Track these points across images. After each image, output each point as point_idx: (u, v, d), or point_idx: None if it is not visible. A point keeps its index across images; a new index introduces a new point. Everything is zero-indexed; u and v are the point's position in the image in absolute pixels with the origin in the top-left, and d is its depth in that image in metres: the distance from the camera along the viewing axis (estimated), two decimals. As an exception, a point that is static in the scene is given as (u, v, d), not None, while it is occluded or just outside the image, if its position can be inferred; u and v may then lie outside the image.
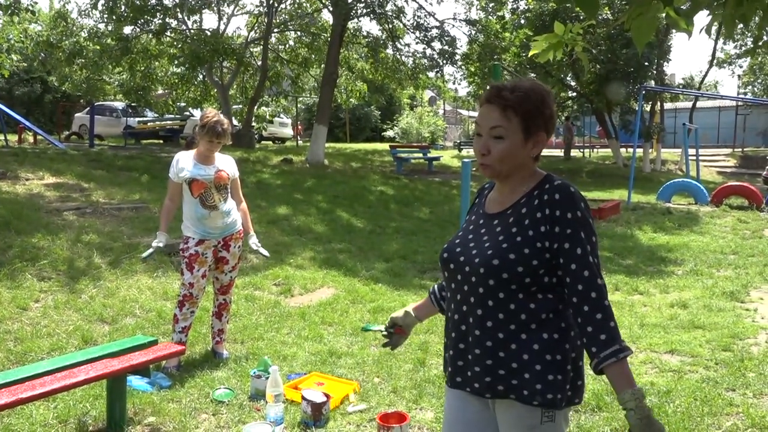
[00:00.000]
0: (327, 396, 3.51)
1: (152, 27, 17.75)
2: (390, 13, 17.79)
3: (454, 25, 27.24)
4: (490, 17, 20.65)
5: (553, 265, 1.65)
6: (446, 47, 17.80)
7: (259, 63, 20.17)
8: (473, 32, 19.00)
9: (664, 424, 3.36)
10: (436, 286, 2.10)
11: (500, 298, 1.66)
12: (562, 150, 24.52)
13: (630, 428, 1.58)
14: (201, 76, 20.61)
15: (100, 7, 17.60)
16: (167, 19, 17.84)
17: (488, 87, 1.73)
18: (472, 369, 1.72)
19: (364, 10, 17.05)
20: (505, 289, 1.66)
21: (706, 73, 31.33)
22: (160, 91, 23.22)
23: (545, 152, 27.87)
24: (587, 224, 1.65)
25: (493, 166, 1.72)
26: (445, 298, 1.98)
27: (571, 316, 1.66)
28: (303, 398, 3.46)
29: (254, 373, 3.86)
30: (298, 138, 27.16)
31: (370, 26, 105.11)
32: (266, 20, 19.61)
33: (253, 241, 4.50)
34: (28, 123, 16.53)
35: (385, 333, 2.14)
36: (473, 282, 1.70)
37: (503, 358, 1.67)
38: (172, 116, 22.70)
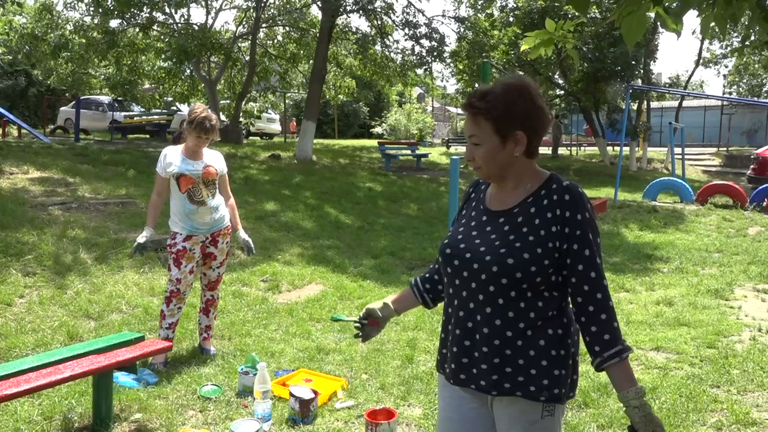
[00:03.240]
0: (315, 392, 3.51)
1: (139, 20, 17.58)
2: (379, 10, 17.75)
3: (443, 23, 27.34)
4: (479, 15, 20.69)
5: (560, 264, 1.68)
6: (435, 44, 17.79)
7: (247, 58, 20.06)
8: (462, 29, 19.02)
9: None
10: (418, 279, 2.07)
11: (511, 297, 1.68)
12: (550, 147, 24.58)
13: (633, 425, 1.62)
14: (188, 71, 20.47)
15: (86, 0, 17.42)
16: (154, 13, 17.67)
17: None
18: (478, 367, 1.73)
19: (353, 6, 17.00)
20: (516, 287, 1.67)
21: (692, 72, 31.47)
22: (147, 86, 23.03)
23: (533, 150, 28.13)
24: (594, 226, 1.69)
25: (482, 168, 1.76)
26: (429, 291, 2.01)
27: (575, 315, 1.71)
28: (291, 395, 3.45)
29: (242, 369, 3.84)
30: (295, 134, 27.07)
31: (359, 22, 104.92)
32: (254, 15, 19.50)
33: (242, 236, 4.49)
34: (12, 116, 16.33)
35: (357, 324, 2.05)
36: (483, 280, 1.70)
37: (510, 355, 1.69)
38: (159, 111, 22.53)
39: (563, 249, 1.66)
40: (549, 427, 1.71)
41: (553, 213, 1.67)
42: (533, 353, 1.68)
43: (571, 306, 1.74)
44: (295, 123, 30.28)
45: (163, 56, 18.56)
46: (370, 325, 2.04)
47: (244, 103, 20.98)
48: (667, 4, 2.36)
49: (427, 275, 2.05)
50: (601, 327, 1.65)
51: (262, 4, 19.32)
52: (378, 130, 33.88)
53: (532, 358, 1.68)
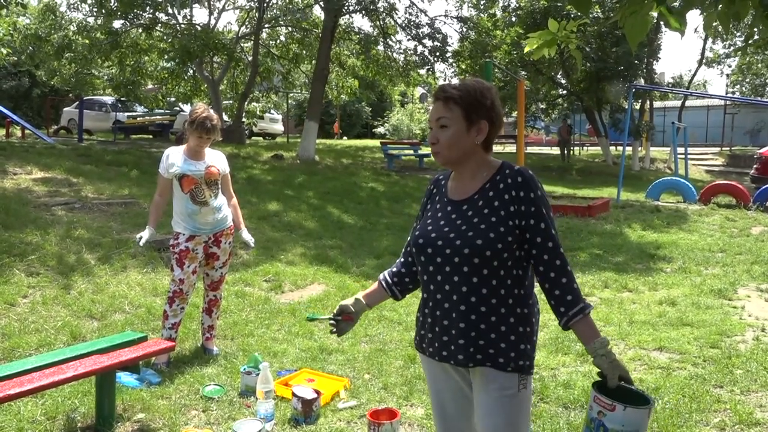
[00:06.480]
0: (317, 392, 3.51)
1: (142, 21, 17.61)
2: (381, 10, 17.75)
3: (445, 23, 27.29)
4: (481, 15, 20.68)
5: (521, 239, 1.86)
6: (437, 44, 17.77)
7: (250, 58, 20.08)
8: (464, 29, 19.01)
9: (652, 421, 3.39)
10: (386, 273, 2.19)
11: (483, 275, 1.85)
12: (555, 148, 24.42)
13: (602, 371, 1.82)
14: (191, 71, 20.50)
15: (89, 1, 17.47)
16: (157, 14, 17.70)
17: (435, 88, 1.95)
18: (456, 343, 1.89)
19: (356, 7, 17.00)
20: (488, 265, 1.84)
21: (695, 72, 31.59)
22: (150, 86, 23.06)
23: (537, 150, 27.95)
24: (546, 202, 1.89)
25: (442, 153, 1.92)
26: (396, 284, 2.16)
27: (539, 283, 1.89)
28: (293, 395, 3.46)
29: (244, 369, 3.84)
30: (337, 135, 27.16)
31: (361, 23, 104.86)
32: (257, 15, 19.52)
33: (245, 236, 4.49)
34: (15, 117, 16.37)
35: (332, 321, 2.15)
36: (457, 262, 1.86)
37: (484, 329, 1.86)
38: (162, 111, 22.56)
39: (522, 225, 1.85)
40: (525, 399, 1.90)
41: (509, 194, 1.86)
42: (504, 329, 1.86)
43: (535, 278, 1.92)
44: (337, 124, 30.66)
45: (166, 57, 18.62)
46: (344, 321, 2.15)
47: (246, 103, 21.00)
48: (669, 3, 2.35)
49: (394, 269, 2.18)
50: (563, 290, 1.84)
51: (265, 5, 19.33)
52: (380, 130, 33.90)
53: (502, 333, 1.86)
